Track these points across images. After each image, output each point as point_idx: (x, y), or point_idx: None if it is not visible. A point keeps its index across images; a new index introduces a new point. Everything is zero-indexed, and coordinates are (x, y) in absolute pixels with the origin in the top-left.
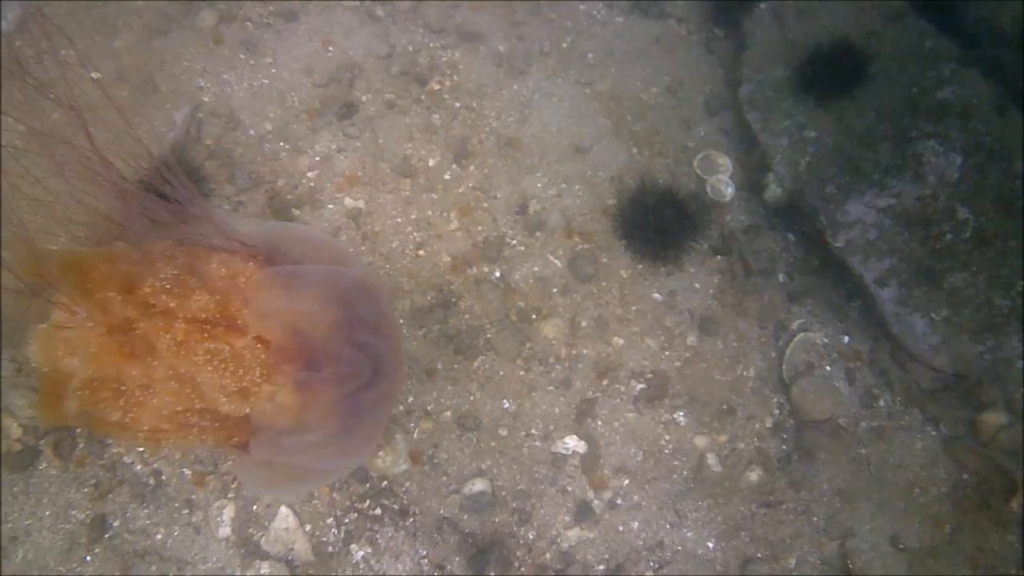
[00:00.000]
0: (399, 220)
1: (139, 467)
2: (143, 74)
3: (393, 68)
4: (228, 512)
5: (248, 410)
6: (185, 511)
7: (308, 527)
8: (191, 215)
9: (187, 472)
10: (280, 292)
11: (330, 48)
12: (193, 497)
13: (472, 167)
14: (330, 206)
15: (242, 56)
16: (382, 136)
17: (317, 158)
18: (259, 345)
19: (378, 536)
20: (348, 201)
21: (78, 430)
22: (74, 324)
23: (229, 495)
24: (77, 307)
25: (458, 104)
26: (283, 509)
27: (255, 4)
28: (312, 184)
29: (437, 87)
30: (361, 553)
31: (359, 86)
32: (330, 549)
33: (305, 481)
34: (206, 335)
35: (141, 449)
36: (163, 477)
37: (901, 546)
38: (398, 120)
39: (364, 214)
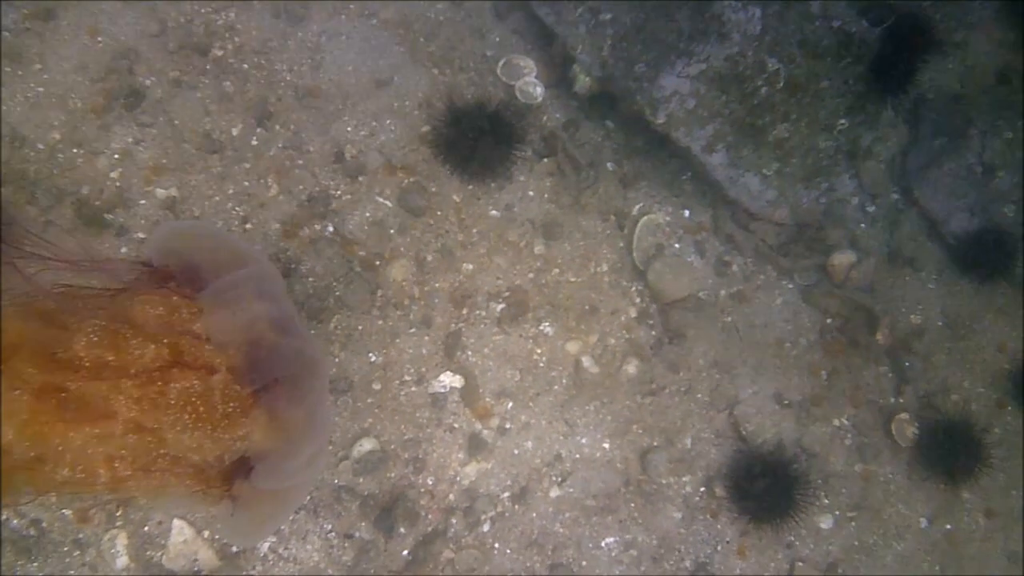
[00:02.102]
0: (217, 199)
1: (15, 521)
2: None
3: (170, 44)
4: (120, 541)
5: (223, 454)
6: (76, 552)
7: (206, 533)
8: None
9: (67, 512)
10: (227, 311)
11: (99, 38)
12: (80, 536)
13: (277, 126)
14: (143, 202)
15: (8, 69)
16: (177, 117)
17: (116, 156)
18: (230, 377)
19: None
20: (160, 192)
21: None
22: None
23: (117, 523)
24: None
25: (246, 65)
26: (176, 522)
27: (7, 10)
28: (118, 184)
29: (220, 53)
30: (267, 544)
31: (140, 71)
32: (234, 548)
33: (288, 501)
34: (164, 383)
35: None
36: (43, 525)
37: (785, 401)
38: (189, 96)
39: (180, 201)
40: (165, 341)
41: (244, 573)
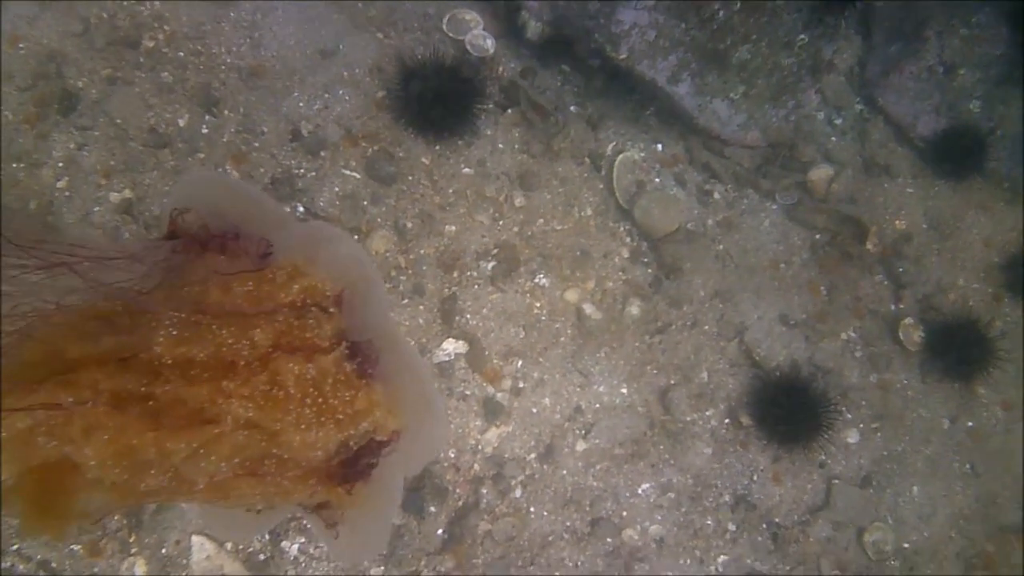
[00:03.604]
0: None
1: (22, 567)
2: None
3: (97, 41)
4: (140, 568)
5: (348, 441)
6: None
7: (228, 545)
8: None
9: (76, 548)
10: (322, 264)
11: (20, 45)
12: (96, 570)
13: (226, 111)
14: (97, 208)
15: None
16: (118, 115)
17: (60, 164)
18: (347, 351)
19: (304, 521)
20: (113, 196)
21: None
22: (54, 418)
23: (132, 551)
24: (59, 398)
25: (181, 53)
26: (195, 539)
27: None
28: (67, 193)
29: (151, 44)
30: (296, 546)
31: (69, 73)
32: (262, 557)
33: (397, 490)
34: (273, 374)
35: (16, 546)
36: (53, 565)
37: (792, 322)
38: (127, 92)
39: (137, 202)
40: (262, 323)
41: None
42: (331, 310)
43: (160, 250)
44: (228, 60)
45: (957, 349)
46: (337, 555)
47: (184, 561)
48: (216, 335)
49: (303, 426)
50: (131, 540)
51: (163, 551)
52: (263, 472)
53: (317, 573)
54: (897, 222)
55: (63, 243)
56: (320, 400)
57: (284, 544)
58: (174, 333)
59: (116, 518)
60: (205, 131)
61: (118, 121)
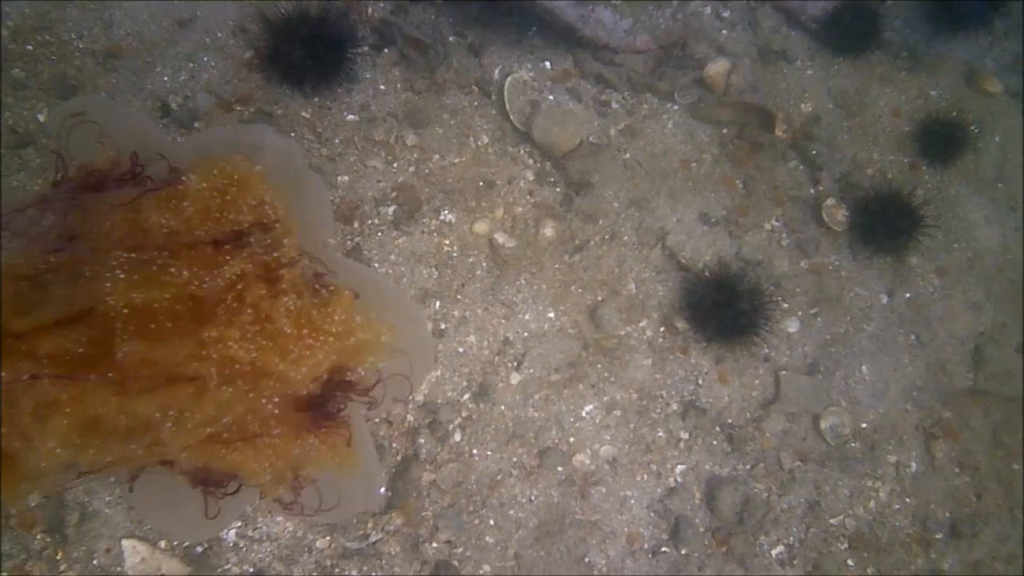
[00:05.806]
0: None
1: None
2: None
3: None
4: None
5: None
6: None
7: (162, 544)
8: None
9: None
10: (264, 163)
11: None
12: None
13: None
14: None
15: None
16: None
17: None
18: (308, 262)
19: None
20: None
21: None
22: None
23: (61, 568)
24: None
25: (30, 46)
26: (125, 543)
27: None
28: None
29: None
30: (232, 532)
31: None
32: (199, 549)
33: (366, 435)
34: (259, 310)
35: None
36: None
37: (713, 220)
38: None
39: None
40: (230, 252)
41: (219, 571)
42: (283, 215)
43: (62, 193)
44: (81, 45)
45: (883, 222)
46: (343, 510)
47: (118, 568)
48: (175, 276)
49: (307, 353)
50: (58, 557)
51: (94, 562)
52: (251, 433)
53: (259, 555)
54: (802, 105)
55: None
56: (308, 324)
57: (221, 532)
58: (122, 276)
59: (38, 537)
60: None
61: None
